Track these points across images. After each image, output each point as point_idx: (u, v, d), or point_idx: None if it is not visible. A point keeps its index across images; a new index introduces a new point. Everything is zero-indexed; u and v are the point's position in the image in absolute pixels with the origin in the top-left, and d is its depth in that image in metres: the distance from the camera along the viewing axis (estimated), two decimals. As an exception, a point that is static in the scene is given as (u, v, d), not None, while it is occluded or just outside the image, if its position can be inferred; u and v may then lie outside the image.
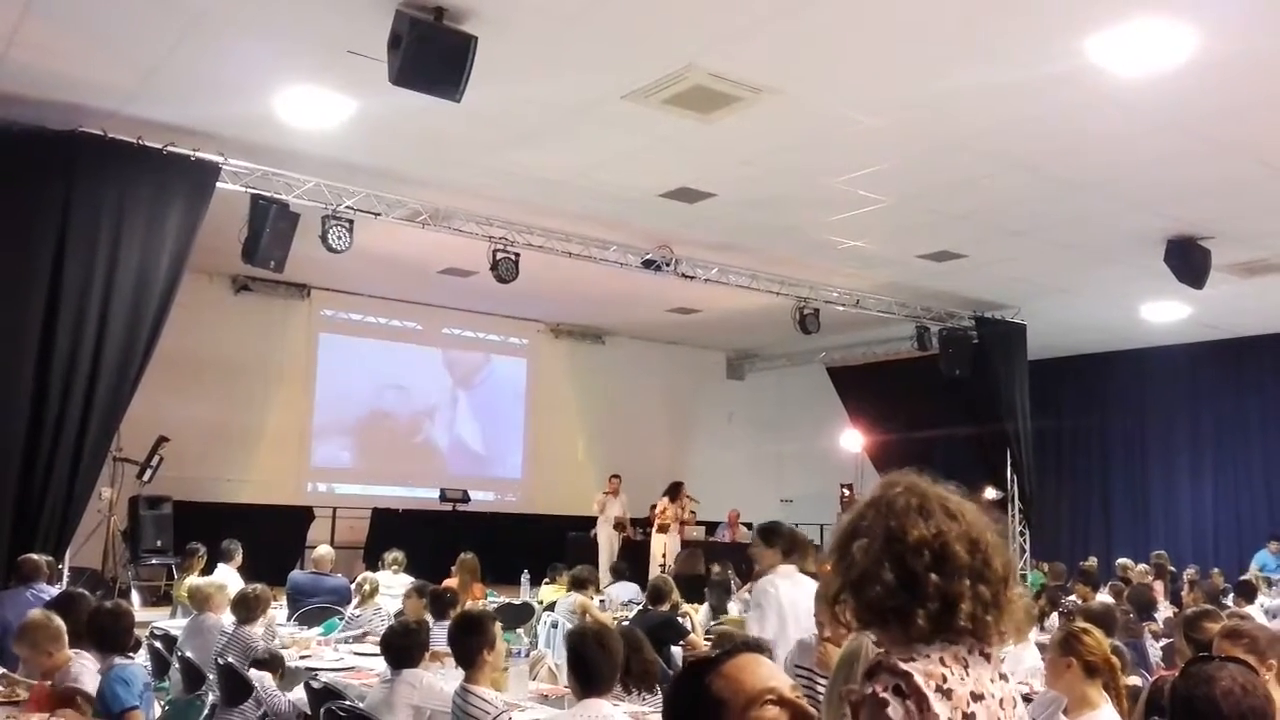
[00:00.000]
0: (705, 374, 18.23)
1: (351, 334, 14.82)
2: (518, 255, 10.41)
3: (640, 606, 8.50)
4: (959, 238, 10.53)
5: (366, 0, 5.88)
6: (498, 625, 4.58)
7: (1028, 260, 11.23)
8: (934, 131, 7.71)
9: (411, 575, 9.27)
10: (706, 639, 7.34)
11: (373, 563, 11.04)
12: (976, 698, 1.70)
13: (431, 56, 5.93)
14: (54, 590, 6.61)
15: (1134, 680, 4.94)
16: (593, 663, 3.72)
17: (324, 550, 9.63)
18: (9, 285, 7.60)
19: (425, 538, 11.98)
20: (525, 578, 10.57)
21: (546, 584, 10.20)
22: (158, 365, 8.41)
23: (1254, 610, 8.57)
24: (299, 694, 5.39)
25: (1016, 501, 13.91)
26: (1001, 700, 1.74)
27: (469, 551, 9.30)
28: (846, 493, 16.59)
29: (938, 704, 1.65)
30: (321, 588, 8.99)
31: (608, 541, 14.20)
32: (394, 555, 9.74)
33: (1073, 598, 9.54)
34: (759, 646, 1.76)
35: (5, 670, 5.07)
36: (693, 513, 14.64)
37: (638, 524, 14.78)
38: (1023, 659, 5.51)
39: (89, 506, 8.40)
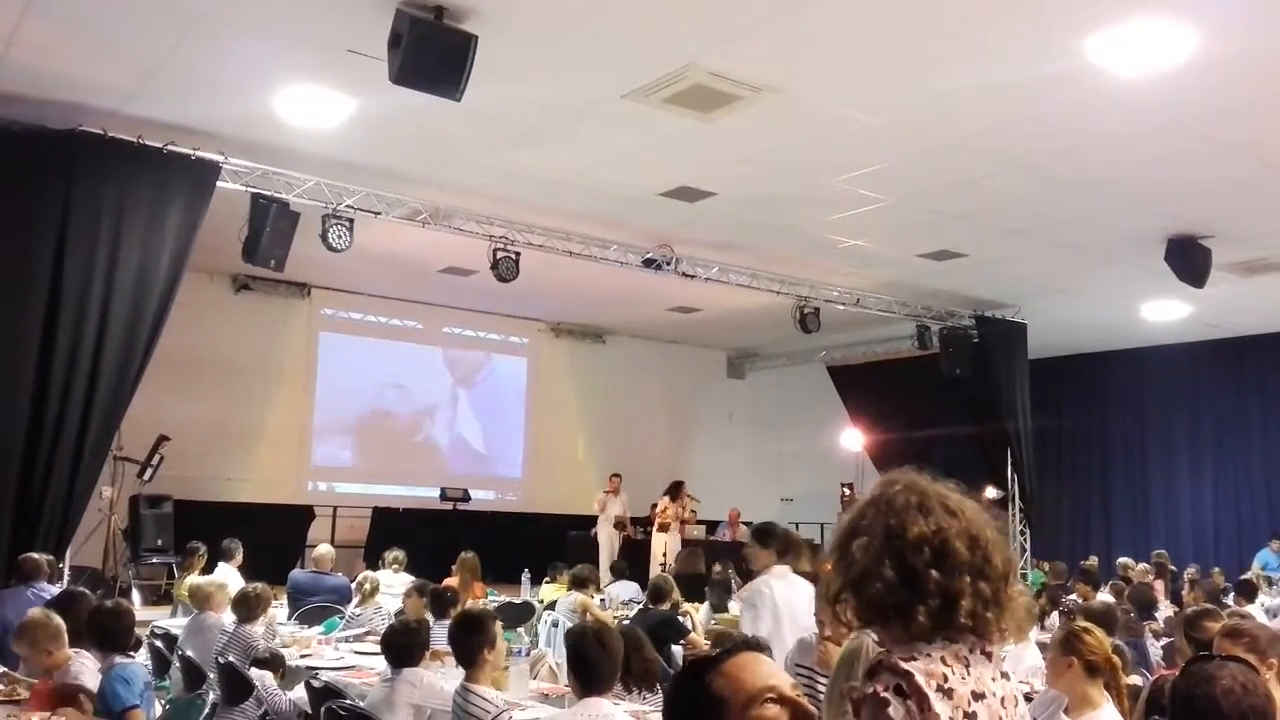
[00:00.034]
0: (706, 373, 18.23)
1: (352, 333, 14.82)
2: (518, 254, 10.41)
3: (641, 605, 8.50)
4: (959, 237, 10.53)
5: (367, -1, 5.88)
6: (498, 624, 4.58)
7: (1028, 259, 11.23)
8: (934, 131, 7.71)
9: (412, 574, 9.27)
10: (706, 638, 7.35)
11: (373, 562, 11.03)
12: (978, 697, 1.70)
13: (432, 56, 5.93)
14: (55, 589, 6.61)
15: (1135, 679, 4.94)
16: (593, 661, 3.72)
17: (324, 549, 9.63)
18: (9, 284, 7.60)
19: (426, 537, 11.98)
20: (526, 577, 10.57)
21: (547, 583, 10.20)
22: (158, 364, 8.41)
23: (1254, 609, 8.57)
24: (300, 693, 5.39)
25: (1017, 500, 13.91)
26: (1003, 699, 1.74)
27: (469, 550, 9.30)
28: (847, 492, 16.60)
29: (939, 704, 1.65)
30: (322, 587, 8.99)
31: (608, 540, 14.20)
32: (394, 554, 9.74)
33: (1073, 597, 9.54)
34: (759, 645, 1.77)
35: (6, 669, 5.07)
36: (693, 512, 14.65)
37: (638, 523, 14.79)
38: (1023, 658, 5.51)
39: (89, 505, 8.40)
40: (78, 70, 7.12)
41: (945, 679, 1.68)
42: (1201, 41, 6.13)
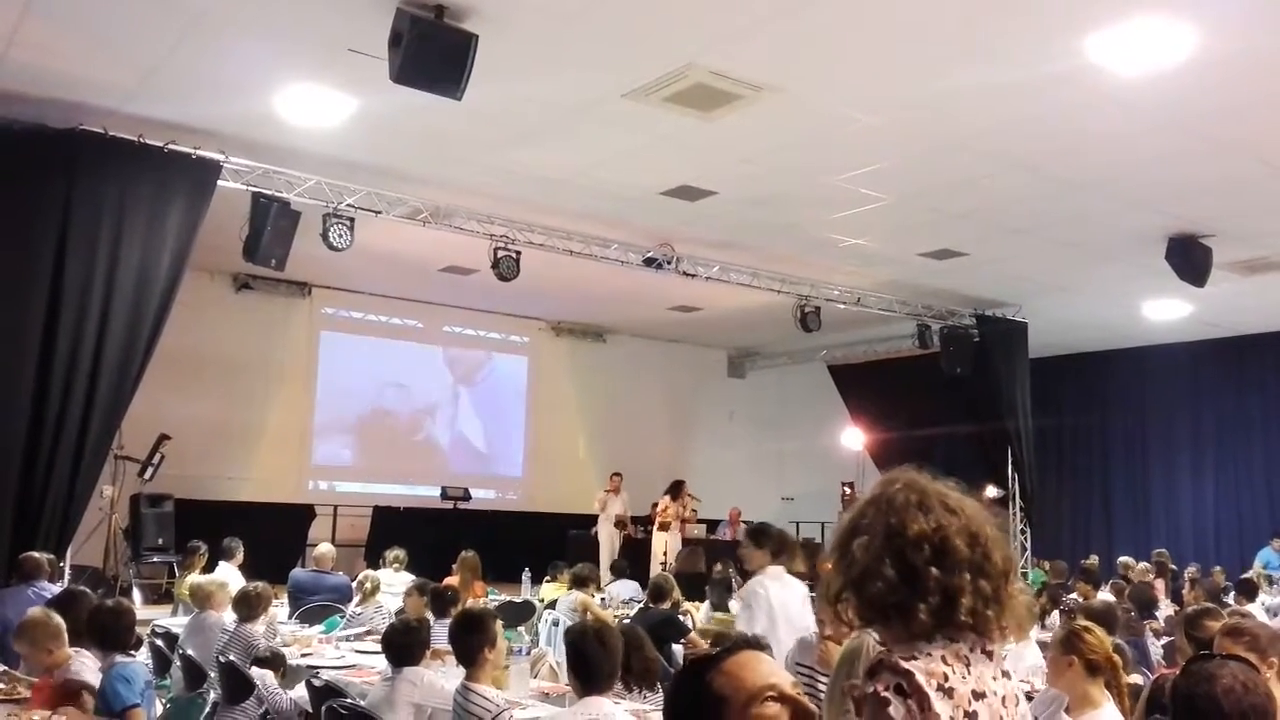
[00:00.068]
0: (706, 372, 18.23)
1: (352, 332, 14.82)
2: (519, 253, 10.41)
3: (641, 605, 8.51)
4: (960, 236, 10.53)
5: (367, -2, 5.88)
6: (499, 623, 4.58)
7: (1029, 258, 11.23)
8: (934, 130, 7.70)
9: (412, 573, 9.27)
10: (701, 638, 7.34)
11: (374, 561, 11.03)
12: (978, 696, 1.70)
13: (432, 55, 5.93)
14: (55, 588, 6.61)
15: (1135, 678, 4.94)
16: (592, 660, 3.72)
17: (325, 548, 9.62)
18: (10, 283, 7.60)
19: (426, 536, 11.99)
20: (526, 576, 10.58)
21: (548, 582, 10.20)
22: (159, 363, 8.40)
23: (1255, 608, 8.58)
24: (300, 692, 5.39)
25: (1017, 499, 13.90)
26: (1004, 698, 1.74)
27: (470, 549, 9.29)
28: (847, 491, 16.59)
29: (939, 703, 1.65)
30: (323, 586, 8.99)
31: (609, 539, 14.20)
32: (395, 553, 9.74)
33: (1074, 596, 9.54)
34: (759, 644, 1.76)
35: (6, 668, 5.07)
36: (694, 511, 14.65)
37: (639, 522, 14.79)
38: (1024, 657, 5.52)
39: (90, 504, 8.40)
40: (78, 69, 7.12)
41: (946, 678, 1.68)
42: (1201, 40, 6.13)
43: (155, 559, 11.36)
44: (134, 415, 8.58)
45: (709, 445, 17.43)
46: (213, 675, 5.92)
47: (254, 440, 13.66)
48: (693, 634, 7.35)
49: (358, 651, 6.51)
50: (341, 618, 7.82)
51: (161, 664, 6.70)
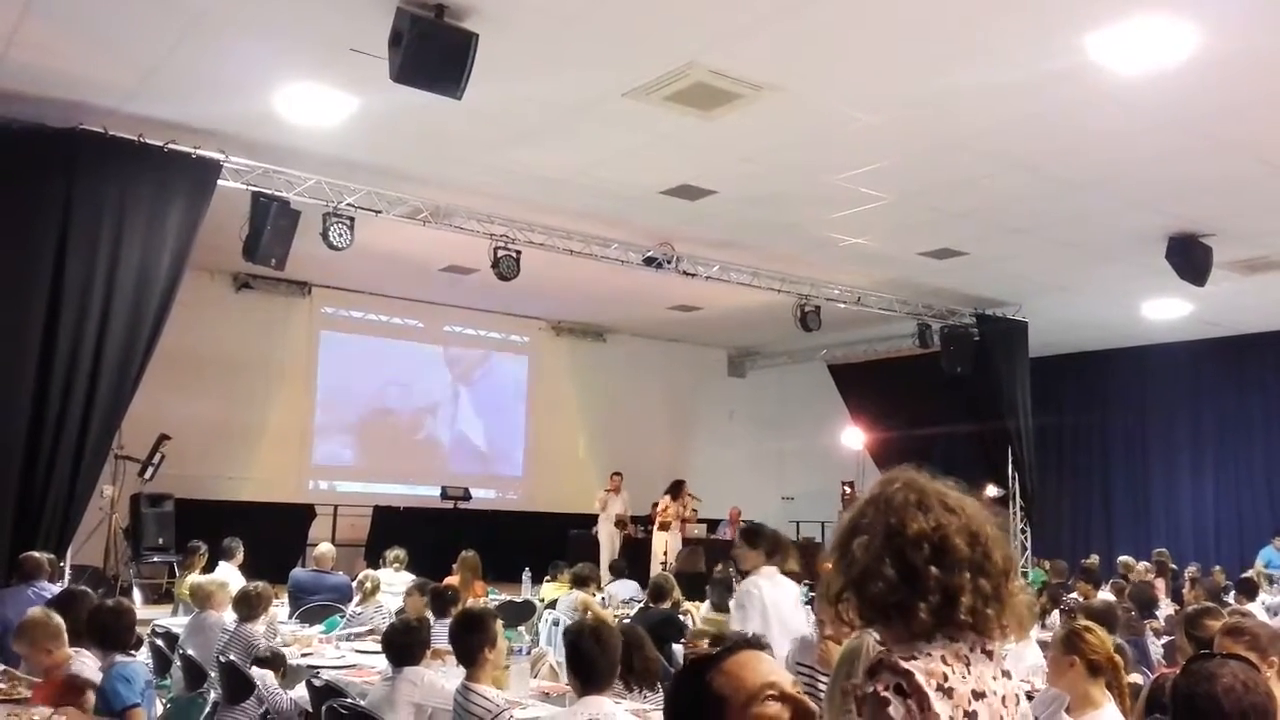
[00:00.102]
0: (706, 371, 18.23)
1: (352, 331, 14.82)
2: (519, 253, 10.41)
3: (641, 604, 8.51)
4: (960, 235, 10.53)
5: (367, -2, 5.88)
6: (499, 623, 4.58)
7: (1029, 258, 11.23)
8: (935, 129, 7.70)
9: (413, 573, 9.27)
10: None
11: (374, 560, 11.03)
12: (978, 696, 1.70)
13: (432, 54, 5.93)
14: (56, 588, 6.61)
15: (1135, 678, 4.94)
16: (590, 658, 3.72)
17: (325, 548, 9.62)
18: (10, 283, 7.60)
19: (426, 535, 11.99)
20: (527, 575, 10.57)
21: (548, 581, 10.19)
22: (159, 363, 8.41)
23: (1255, 607, 8.58)
24: (301, 692, 5.39)
25: (1018, 499, 13.91)
26: (1004, 698, 1.74)
27: (470, 549, 9.30)
28: (848, 490, 16.58)
29: (939, 703, 1.65)
30: (323, 585, 8.99)
31: (609, 539, 14.20)
32: (395, 553, 9.74)
33: (1074, 595, 9.54)
34: (759, 643, 1.76)
35: (6, 667, 5.07)
36: (694, 510, 14.65)
37: (639, 521, 14.79)
38: (1024, 656, 5.52)
39: (90, 504, 8.40)
40: (78, 69, 7.12)
41: (945, 678, 1.68)
42: (1202, 39, 6.12)
43: (155, 559, 11.36)
44: (134, 415, 8.58)
45: (709, 445, 17.43)
46: (213, 675, 5.92)
47: (254, 440, 13.66)
48: (690, 633, 7.35)
49: (358, 651, 6.51)
50: (342, 617, 7.82)
51: (162, 664, 6.70)
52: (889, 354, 15.92)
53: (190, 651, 6.26)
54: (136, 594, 10.72)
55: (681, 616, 7.77)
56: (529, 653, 6.62)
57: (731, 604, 8.40)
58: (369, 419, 14.94)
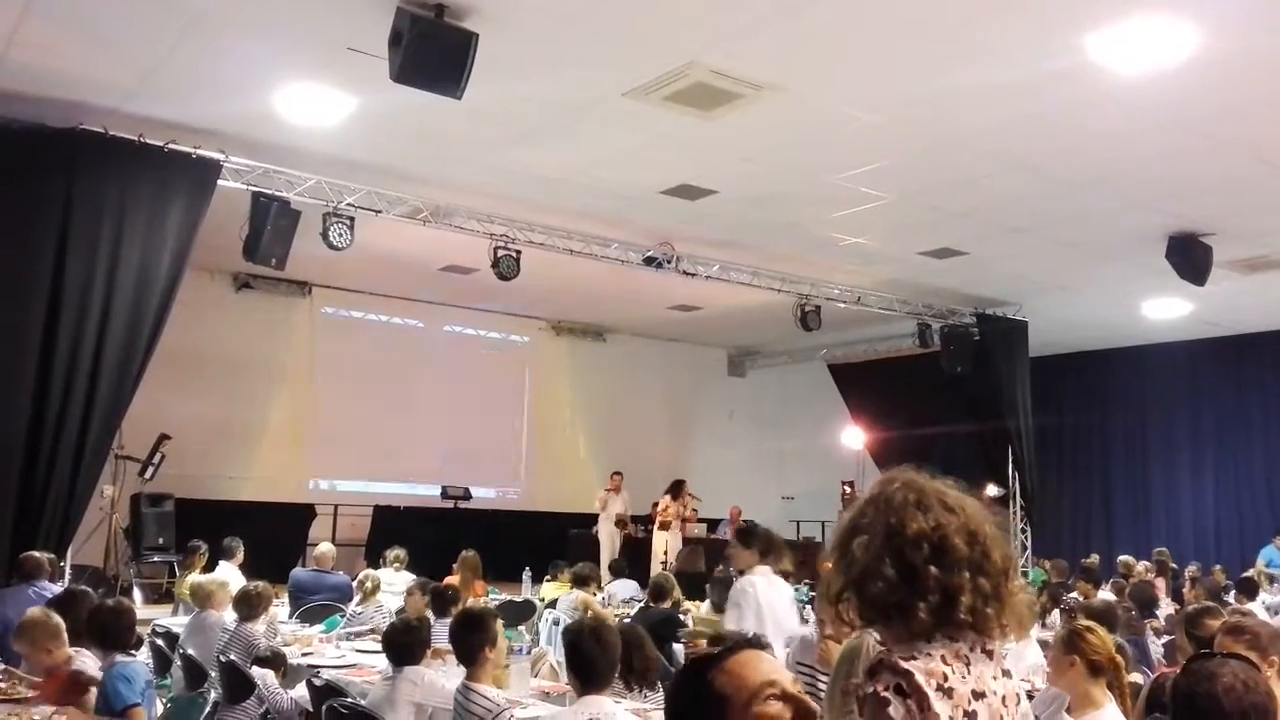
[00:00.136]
0: (706, 371, 18.23)
1: (353, 331, 14.81)
2: (519, 252, 10.41)
3: (641, 604, 8.51)
4: (960, 235, 10.53)
5: (367, -3, 5.88)
6: (499, 623, 4.59)
7: (1029, 257, 11.23)
8: (935, 129, 7.70)
9: (413, 573, 9.27)
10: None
11: (374, 560, 11.03)
12: (978, 696, 1.70)
13: (432, 54, 5.93)
14: (56, 588, 6.61)
15: (1136, 677, 4.94)
16: (589, 657, 3.72)
17: (325, 548, 9.62)
18: (10, 283, 7.60)
19: (427, 535, 12.00)
20: (527, 575, 10.58)
21: (548, 581, 10.20)
22: (159, 363, 8.41)
23: (1255, 607, 8.58)
24: (301, 691, 5.40)
25: (1018, 498, 13.91)
26: (1004, 698, 1.74)
27: (470, 549, 9.30)
28: (848, 490, 16.58)
29: (938, 703, 1.65)
30: (323, 585, 8.99)
31: (609, 539, 14.20)
32: (395, 553, 9.74)
33: (1074, 595, 9.54)
34: (760, 643, 1.76)
35: (7, 667, 5.07)
36: (694, 510, 14.65)
37: (639, 521, 14.79)
38: (1025, 656, 5.52)
39: (91, 504, 8.40)
40: (78, 69, 7.12)
41: (945, 678, 1.68)
42: (1202, 39, 6.12)
43: (156, 558, 11.36)
44: (134, 415, 8.58)
45: (709, 444, 17.42)
46: (213, 675, 5.92)
47: (254, 440, 13.66)
48: (685, 632, 7.35)
49: (358, 651, 6.51)
50: (342, 617, 7.82)
51: (162, 663, 6.70)
52: (889, 354, 15.92)
53: (190, 651, 6.25)
54: (137, 594, 10.72)
55: (682, 616, 7.76)
56: (529, 652, 6.62)
57: (726, 602, 8.43)
58: (369, 419, 14.92)
